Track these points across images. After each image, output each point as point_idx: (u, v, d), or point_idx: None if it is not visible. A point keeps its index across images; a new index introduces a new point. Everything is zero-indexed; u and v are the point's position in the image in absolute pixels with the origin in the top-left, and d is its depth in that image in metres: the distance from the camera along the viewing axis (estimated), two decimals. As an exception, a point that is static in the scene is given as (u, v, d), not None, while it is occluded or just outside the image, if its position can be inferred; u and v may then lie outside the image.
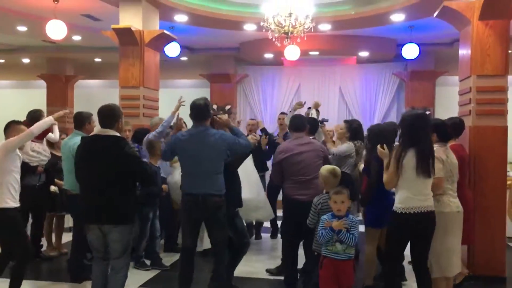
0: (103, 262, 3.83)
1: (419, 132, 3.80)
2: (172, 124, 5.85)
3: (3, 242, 4.22)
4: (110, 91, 10.58)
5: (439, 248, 4.04)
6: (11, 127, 4.37)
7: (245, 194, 5.60)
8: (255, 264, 5.65)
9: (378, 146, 4.08)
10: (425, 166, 3.74)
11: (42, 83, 12.38)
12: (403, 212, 3.77)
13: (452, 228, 4.09)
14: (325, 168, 4.26)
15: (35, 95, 12.42)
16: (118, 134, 3.76)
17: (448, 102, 8.40)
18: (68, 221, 6.33)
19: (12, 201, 4.05)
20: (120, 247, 3.71)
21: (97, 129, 3.93)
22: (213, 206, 4.15)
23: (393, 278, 3.99)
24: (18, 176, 4.17)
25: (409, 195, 3.76)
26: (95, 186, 3.67)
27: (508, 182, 6.47)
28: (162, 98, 7.66)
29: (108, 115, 3.77)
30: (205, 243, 5.84)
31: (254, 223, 6.94)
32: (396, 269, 3.99)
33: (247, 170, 5.72)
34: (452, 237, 4.10)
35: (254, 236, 7.00)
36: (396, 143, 4.72)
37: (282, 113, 7.09)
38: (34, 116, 5.72)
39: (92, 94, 12.58)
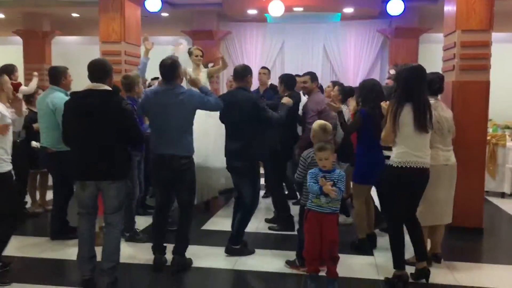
0: (90, 217, 3.78)
1: (415, 86, 3.76)
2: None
3: None
4: (88, 48, 10.32)
5: (430, 198, 4.13)
6: None
7: (215, 161, 5.67)
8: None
9: (382, 103, 4.12)
10: (422, 121, 3.72)
11: (18, 39, 11.99)
12: (400, 166, 3.77)
13: (439, 180, 4.15)
14: (317, 123, 4.27)
15: (11, 52, 12.04)
16: (110, 89, 3.67)
17: (431, 60, 8.37)
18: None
19: (6, 164, 3.87)
20: (117, 203, 3.69)
21: (87, 84, 3.72)
22: (180, 167, 4.11)
23: (399, 237, 3.92)
24: (10, 137, 3.95)
25: (407, 150, 3.75)
26: (91, 142, 3.58)
27: (487, 138, 6.62)
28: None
29: (100, 69, 3.66)
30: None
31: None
32: (401, 226, 3.92)
33: (212, 133, 5.72)
34: (441, 189, 4.19)
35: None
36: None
37: (264, 67, 6.90)
38: (6, 70, 5.54)
39: (70, 50, 12.28)
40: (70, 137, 3.74)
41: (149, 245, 4.49)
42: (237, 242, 4.62)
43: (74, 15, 11.78)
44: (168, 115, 4.06)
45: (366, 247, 4.72)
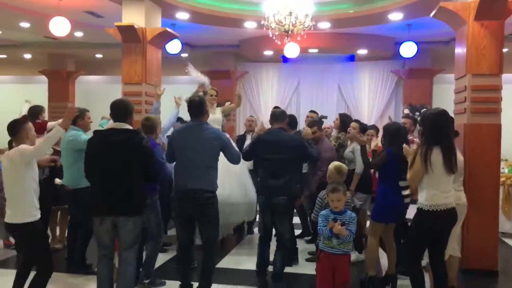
0: (109, 261, 3.82)
1: (443, 129, 3.88)
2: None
3: (29, 255, 3.96)
4: (110, 87, 10.72)
5: None
6: (20, 128, 3.87)
7: (238, 197, 5.82)
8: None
9: (404, 145, 4.27)
10: (450, 163, 3.84)
11: (44, 78, 12.49)
12: (430, 209, 3.83)
13: None
14: (333, 164, 4.47)
15: (37, 91, 12.53)
16: (132, 128, 3.83)
17: (445, 100, 8.54)
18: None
19: (37, 212, 3.79)
20: (132, 238, 3.75)
21: (110, 123, 3.98)
22: (204, 201, 4.16)
23: (420, 278, 3.99)
24: (37, 185, 3.88)
25: (436, 192, 3.83)
26: (111, 178, 3.69)
27: (502, 179, 6.63)
28: (166, 95, 7.76)
29: (122, 109, 3.83)
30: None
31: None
32: (421, 269, 4.00)
33: (236, 171, 5.85)
34: None
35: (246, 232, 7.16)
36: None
37: (312, 111, 7.04)
38: (35, 111, 5.80)
39: (93, 90, 12.72)
40: (91, 173, 3.87)
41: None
42: (281, 278, 4.66)
43: (98, 56, 12.28)
44: (195, 150, 4.18)
45: (375, 284, 4.73)
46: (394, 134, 4.74)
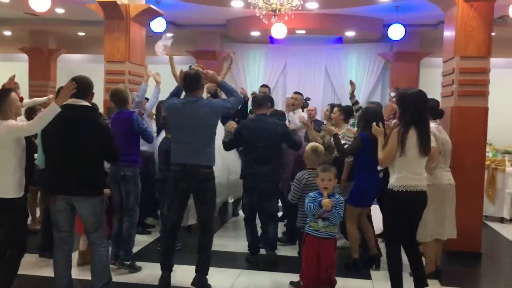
0: (67, 246, 3.68)
1: (421, 110, 3.84)
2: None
3: (10, 231, 3.74)
4: (93, 66, 10.42)
5: (431, 216, 4.40)
6: (1, 100, 3.67)
7: (219, 177, 5.66)
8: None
9: (374, 124, 4.15)
10: (425, 145, 3.79)
11: (24, 56, 12.17)
12: (400, 190, 3.80)
13: (444, 198, 4.51)
14: (309, 146, 4.38)
15: (17, 68, 12.08)
16: (90, 105, 3.68)
17: (431, 84, 8.52)
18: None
19: (20, 190, 3.69)
20: (94, 220, 3.63)
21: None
22: (200, 177, 4.08)
23: (397, 259, 3.96)
24: (24, 161, 3.76)
25: (407, 174, 3.79)
26: (65, 156, 3.55)
27: (487, 163, 6.66)
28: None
29: (83, 85, 3.64)
30: (191, 218, 5.89)
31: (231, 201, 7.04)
32: (399, 250, 3.97)
33: (220, 149, 5.71)
34: (445, 206, 4.54)
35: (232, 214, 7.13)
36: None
37: (297, 92, 6.89)
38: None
39: (75, 68, 12.36)
40: (47, 150, 3.73)
41: (146, 266, 4.49)
42: (276, 246, 5.00)
43: (80, 33, 11.98)
44: (191, 125, 4.08)
45: (359, 266, 4.76)
46: (370, 117, 4.66)
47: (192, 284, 4.13)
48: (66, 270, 3.70)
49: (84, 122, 3.58)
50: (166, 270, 4.20)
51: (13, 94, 3.84)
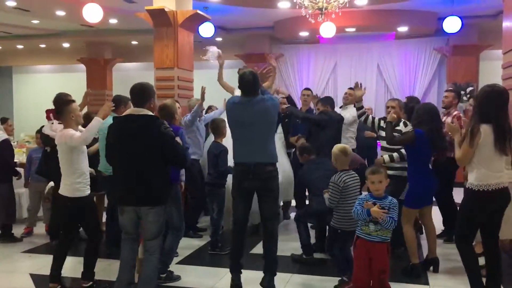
0: (133, 242, 3.75)
1: (496, 107, 3.64)
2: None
3: (84, 226, 4.35)
4: (146, 73, 10.72)
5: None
6: (63, 110, 4.18)
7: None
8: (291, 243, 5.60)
9: (448, 121, 4.02)
10: (503, 143, 3.61)
11: (82, 66, 12.70)
12: (481, 189, 3.64)
13: None
14: (337, 147, 4.28)
15: (75, 79, 12.80)
16: (150, 113, 3.62)
17: (493, 78, 8.02)
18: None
19: (86, 188, 4.14)
20: (156, 229, 3.63)
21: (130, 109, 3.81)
22: (265, 175, 3.99)
23: (474, 259, 3.79)
24: (86, 163, 4.22)
25: (486, 171, 3.63)
26: (130, 167, 3.56)
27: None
28: (198, 79, 7.70)
29: (140, 93, 3.64)
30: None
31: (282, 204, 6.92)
32: (473, 249, 3.81)
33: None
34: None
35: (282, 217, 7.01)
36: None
37: (306, 88, 6.86)
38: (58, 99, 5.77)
39: (129, 76, 12.79)
40: (111, 161, 3.79)
41: (196, 270, 4.49)
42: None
43: (134, 42, 12.36)
44: (251, 123, 4.00)
45: (418, 272, 4.51)
46: (424, 113, 4.48)
47: (261, 284, 4.08)
48: (131, 258, 3.76)
49: (144, 132, 3.53)
50: (235, 272, 4.13)
51: (74, 104, 4.24)
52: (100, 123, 4.13)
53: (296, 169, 6.23)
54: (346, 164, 4.21)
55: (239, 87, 4.16)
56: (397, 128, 4.83)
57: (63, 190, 4.16)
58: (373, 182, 3.69)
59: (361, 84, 5.45)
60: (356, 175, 4.28)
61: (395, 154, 4.74)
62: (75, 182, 4.07)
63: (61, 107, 4.20)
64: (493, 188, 3.62)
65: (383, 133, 4.97)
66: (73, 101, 4.30)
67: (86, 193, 4.13)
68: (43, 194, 6.11)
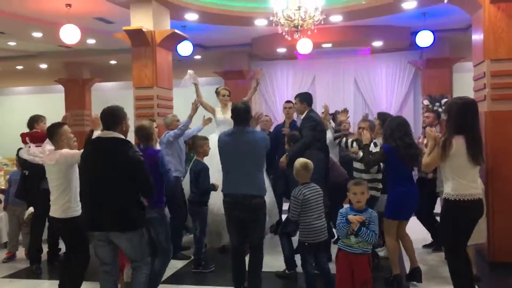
0: (111, 278, 3.63)
1: (468, 119, 3.76)
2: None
3: (69, 248, 4.26)
4: (125, 93, 10.74)
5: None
6: (54, 132, 4.23)
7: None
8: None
9: (428, 128, 4.17)
10: (475, 153, 3.72)
11: (60, 87, 12.62)
12: (457, 199, 3.73)
13: None
14: (298, 161, 4.35)
15: (54, 100, 12.68)
16: (121, 136, 3.55)
17: (466, 89, 8.18)
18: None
19: (79, 209, 4.08)
20: (133, 254, 3.58)
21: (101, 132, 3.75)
22: (253, 207, 4.12)
23: (463, 271, 3.84)
24: (77, 185, 4.17)
25: (462, 182, 3.73)
26: (97, 191, 3.47)
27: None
28: (178, 97, 7.74)
29: (109, 116, 3.58)
30: (224, 238, 5.88)
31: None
32: (462, 261, 3.84)
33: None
34: None
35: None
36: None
37: (288, 101, 6.95)
38: (31, 120, 5.69)
39: (108, 96, 12.76)
40: (81, 184, 3.80)
41: None
42: None
43: (112, 62, 12.35)
44: (240, 155, 4.12)
45: (400, 283, 4.58)
46: (394, 129, 4.62)
47: None
48: None
49: (113, 155, 3.47)
50: None
51: (65, 126, 4.31)
52: None
53: (277, 181, 6.29)
54: (307, 178, 4.29)
55: (232, 117, 4.32)
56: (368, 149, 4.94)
57: (54, 212, 4.14)
58: (355, 193, 3.78)
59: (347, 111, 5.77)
60: (318, 188, 4.35)
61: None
62: (68, 201, 4.09)
63: (52, 130, 4.24)
64: (468, 198, 3.71)
65: (352, 155, 5.24)
66: (65, 123, 4.39)
67: (79, 213, 4.06)
68: (22, 218, 6.03)
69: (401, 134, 4.57)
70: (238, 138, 4.18)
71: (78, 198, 4.10)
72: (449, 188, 3.79)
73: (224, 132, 4.53)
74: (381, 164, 4.94)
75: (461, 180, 3.72)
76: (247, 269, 4.30)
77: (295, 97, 5.76)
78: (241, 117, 4.21)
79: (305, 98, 5.64)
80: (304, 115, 5.52)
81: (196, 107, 6.02)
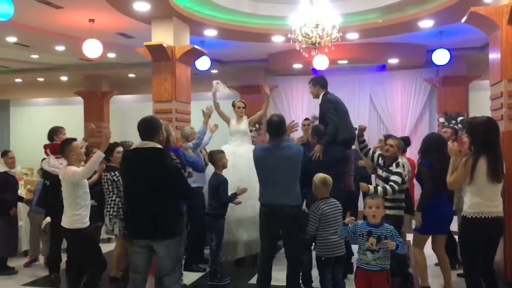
0: (141, 285, 3.71)
1: (492, 138, 3.83)
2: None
3: (80, 259, 4.45)
4: (143, 105, 10.93)
5: None
6: (64, 148, 4.37)
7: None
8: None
9: (449, 143, 4.20)
10: (496, 172, 3.76)
11: (79, 99, 12.85)
12: (474, 217, 3.77)
13: None
14: (317, 177, 4.41)
15: (73, 111, 12.92)
16: (158, 146, 3.66)
17: (482, 107, 8.23)
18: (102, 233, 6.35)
19: (86, 220, 4.26)
20: (170, 263, 3.62)
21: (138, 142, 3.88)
22: (288, 217, 4.18)
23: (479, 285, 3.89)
24: (88, 196, 4.35)
25: (480, 200, 3.77)
26: (138, 200, 3.60)
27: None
28: (195, 110, 7.85)
29: (146, 127, 3.69)
30: (239, 251, 5.93)
31: None
32: (479, 280, 3.89)
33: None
34: None
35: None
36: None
37: (306, 119, 7.07)
38: (50, 132, 5.83)
39: (126, 108, 13.00)
40: (124, 195, 3.94)
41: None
42: None
43: (131, 75, 12.57)
44: (276, 170, 4.21)
45: None
46: (430, 144, 4.69)
47: None
48: None
49: (152, 164, 3.57)
50: None
51: (75, 142, 4.38)
52: (101, 157, 4.24)
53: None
54: (326, 193, 4.35)
55: (267, 130, 4.41)
56: (390, 168, 4.76)
57: (63, 222, 4.28)
58: (371, 207, 3.80)
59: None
60: (337, 203, 4.38)
61: (388, 188, 4.58)
62: (76, 214, 4.21)
63: (62, 146, 4.42)
64: (486, 216, 3.73)
65: (379, 171, 4.94)
66: (74, 139, 4.44)
67: (86, 225, 4.25)
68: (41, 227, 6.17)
69: (437, 150, 4.59)
70: (274, 153, 4.26)
71: (87, 212, 4.26)
72: (466, 206, 3.82)
73: (260, 146, 4.66)
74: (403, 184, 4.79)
75: (478, 199, 3.75)
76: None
77: (309, 82, 5.84)
78: (275, 130, 4.31)
79: (318, 81, 5.70)
80: (320, 98, 5.55)
81: (210, 112, 6.06)
